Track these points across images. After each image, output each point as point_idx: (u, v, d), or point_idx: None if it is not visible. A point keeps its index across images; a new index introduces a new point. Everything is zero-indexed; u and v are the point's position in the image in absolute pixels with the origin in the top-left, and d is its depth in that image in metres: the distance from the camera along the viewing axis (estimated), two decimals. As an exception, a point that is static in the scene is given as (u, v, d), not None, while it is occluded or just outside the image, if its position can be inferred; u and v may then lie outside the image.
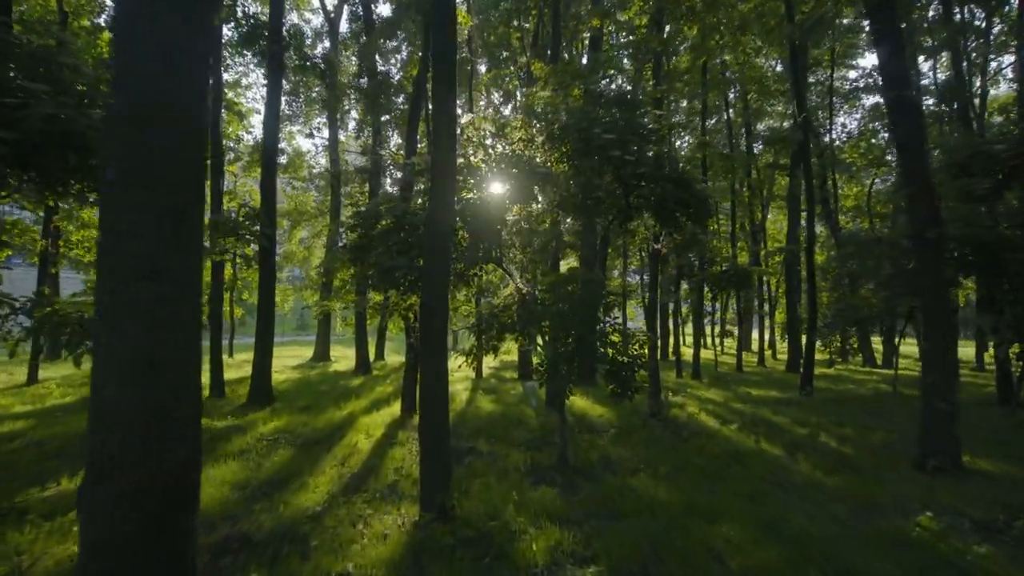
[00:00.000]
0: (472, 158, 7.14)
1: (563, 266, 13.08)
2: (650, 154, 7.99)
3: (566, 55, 16.03)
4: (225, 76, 24.73)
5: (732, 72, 21.24)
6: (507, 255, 7.87)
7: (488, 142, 7.14)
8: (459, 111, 7.34)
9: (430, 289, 4.78)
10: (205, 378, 15.46)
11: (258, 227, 12.36)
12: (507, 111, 18.54)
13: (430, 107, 10.55)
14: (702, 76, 19.03)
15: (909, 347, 33.15)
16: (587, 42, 17.15)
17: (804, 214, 28.88)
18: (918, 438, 7.33)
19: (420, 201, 7.58)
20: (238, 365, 22.18)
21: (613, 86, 8.83)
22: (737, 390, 15.71)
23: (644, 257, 27.74)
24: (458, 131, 7.22)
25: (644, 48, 12.23)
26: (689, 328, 36.86)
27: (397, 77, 23.52)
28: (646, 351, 7.75)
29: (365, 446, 8.39)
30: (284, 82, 27.53)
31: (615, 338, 6.50)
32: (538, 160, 7.27)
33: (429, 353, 4.87)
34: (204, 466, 7.13)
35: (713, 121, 30.05)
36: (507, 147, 7.08)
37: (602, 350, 6.29)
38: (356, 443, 8.48)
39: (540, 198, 7.20)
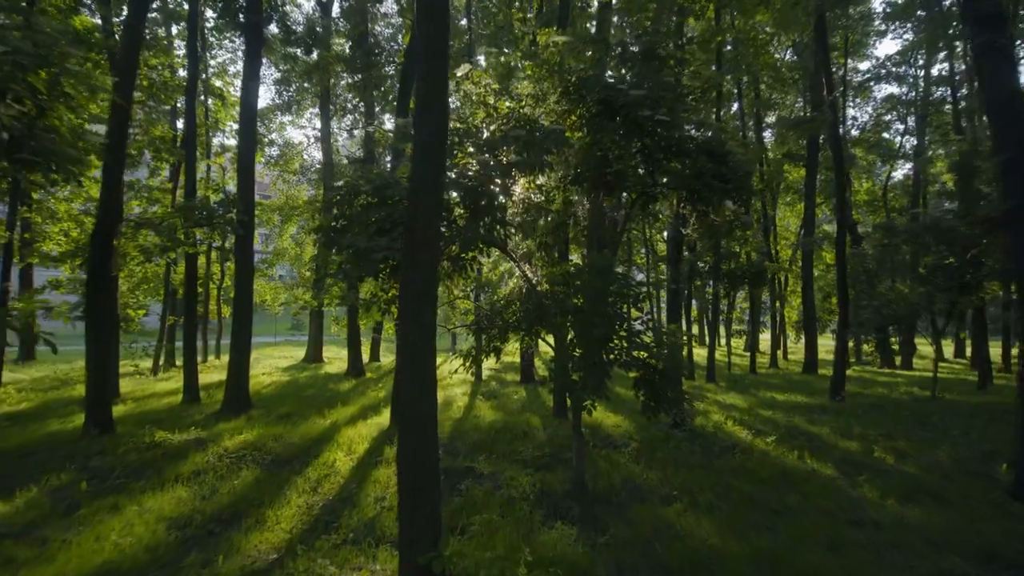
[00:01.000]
0: (469, 120, 5.88)
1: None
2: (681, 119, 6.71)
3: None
4: (212, 63, 23.56)
5: (746, 53, 19.94)
6: (512, 238, 6.60)
7: (491, 101, 5.87)
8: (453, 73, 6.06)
9: (413, 268, 3.51)
10: (178, 383, 14.18)
11: (232, 214, 11.07)
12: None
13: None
14: (716, 58, 17.82)
15: (922, 346, 31.81)
16: (595, 13, 15.89)
17: (820, 206, 27.76)
18: (1015, 460, 6.05)
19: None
20: (224, 367, 20.84)
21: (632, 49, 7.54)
22: (758, 394, 14.44)
23: (648, 253, 26.42)
24: (452, 85, 5.95)
25: (667, 4, 10.94)
26: (695, 330, 35.57)
27: (391, 68, 22.37)
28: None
29: (345, 466, 7.11)
30: (276, 70, 26.45)
31: (647, 338, 5.22)
32: (547, 124, 5.99)
33: (413, 356, 3.61)
34: (143, 494, 5.87)
35: (721, 113, 28.77)
36: (513, 105, 5.82)
37: (636, 354, 5.01)
38: (334, 462, 7.20)
39: (551, 169, 5.92)
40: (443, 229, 5.69)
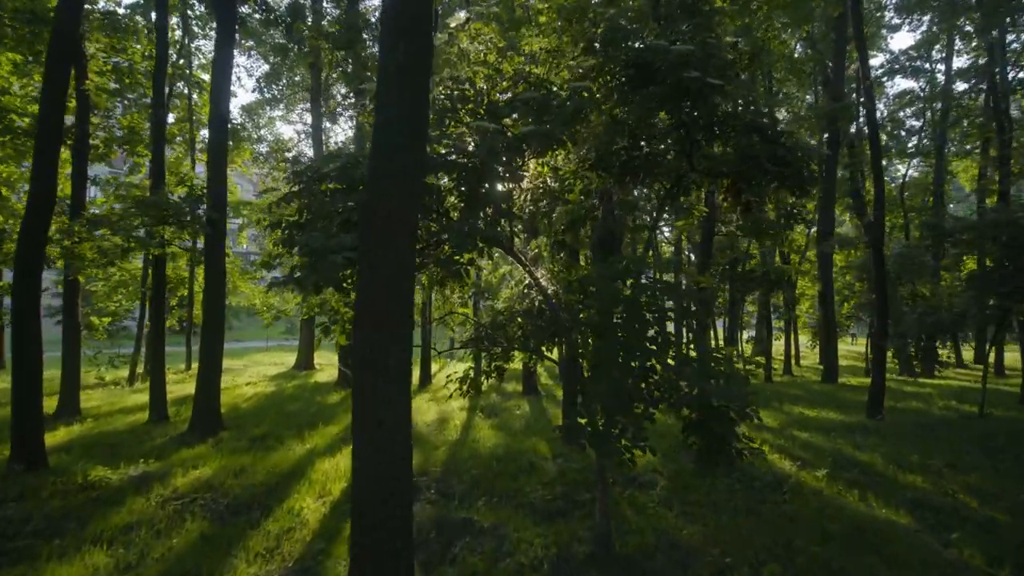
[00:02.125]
0: (466, 85, 4.62)
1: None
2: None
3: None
4: (197, 56, 22.31)
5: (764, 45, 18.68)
6: (518, 235, 5.33)
7: (492, 59, 4.60)
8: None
9: (382, 249, 2.23)
10: (144, 397, 12.88)
11: (201, 211, 9.80)
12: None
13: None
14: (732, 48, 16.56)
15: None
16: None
17: (839, 204, 26.40)
18: None
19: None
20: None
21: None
22: (784, 409, 13.15)
23: (654, 255, 25.08)
24: (445, 37, 4.68)
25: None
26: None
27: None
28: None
29: (314, 515, 5.82)
30: (265, 63, 25.23)
31: (709, 369, 3.94)
32: (565, 87, 4.73)
33: (376, 415, 2.35)
34: (49, 562, 4.57)
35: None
36: (523, 63, 4.57)
37: (686, 388, 3.74)
38: (301, 510, 5.91)
39: (574, 144, 4.65)
40: (432, 224, 4.42)
